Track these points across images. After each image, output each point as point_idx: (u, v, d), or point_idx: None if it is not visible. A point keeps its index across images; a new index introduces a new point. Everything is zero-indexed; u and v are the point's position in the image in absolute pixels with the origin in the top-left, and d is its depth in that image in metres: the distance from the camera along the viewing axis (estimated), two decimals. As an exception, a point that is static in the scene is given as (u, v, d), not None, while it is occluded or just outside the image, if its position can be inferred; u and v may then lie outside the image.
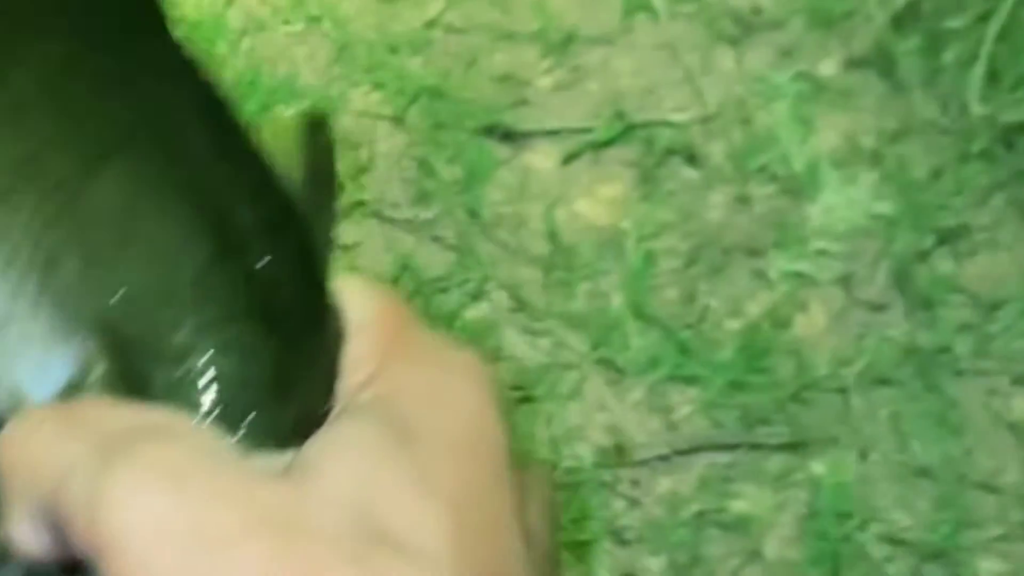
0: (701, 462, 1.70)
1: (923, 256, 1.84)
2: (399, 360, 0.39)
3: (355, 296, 0.41)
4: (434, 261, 1.77)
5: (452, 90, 1.86)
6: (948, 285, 1.83)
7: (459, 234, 1.78)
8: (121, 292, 0.39)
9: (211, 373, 0.38)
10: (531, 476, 0.40)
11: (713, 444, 1.71)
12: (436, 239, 1.79)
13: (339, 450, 0.36)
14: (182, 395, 0.38)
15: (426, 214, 1.79)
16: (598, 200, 1.84)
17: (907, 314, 1.81)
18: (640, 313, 1.76)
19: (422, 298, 1.73)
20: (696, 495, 1.68)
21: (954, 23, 1.96)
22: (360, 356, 0.39)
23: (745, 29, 1.97)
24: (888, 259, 1.82)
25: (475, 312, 1.75)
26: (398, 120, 1.84)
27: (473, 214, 1.79)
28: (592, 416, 1.72)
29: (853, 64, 1.96)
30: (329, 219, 0.44)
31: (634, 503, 1.68)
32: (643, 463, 1.69)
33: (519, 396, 1.69)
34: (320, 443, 0.36)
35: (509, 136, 1.85)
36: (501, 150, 1.84)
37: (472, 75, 1.89)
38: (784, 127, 1.90)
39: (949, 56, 1.95)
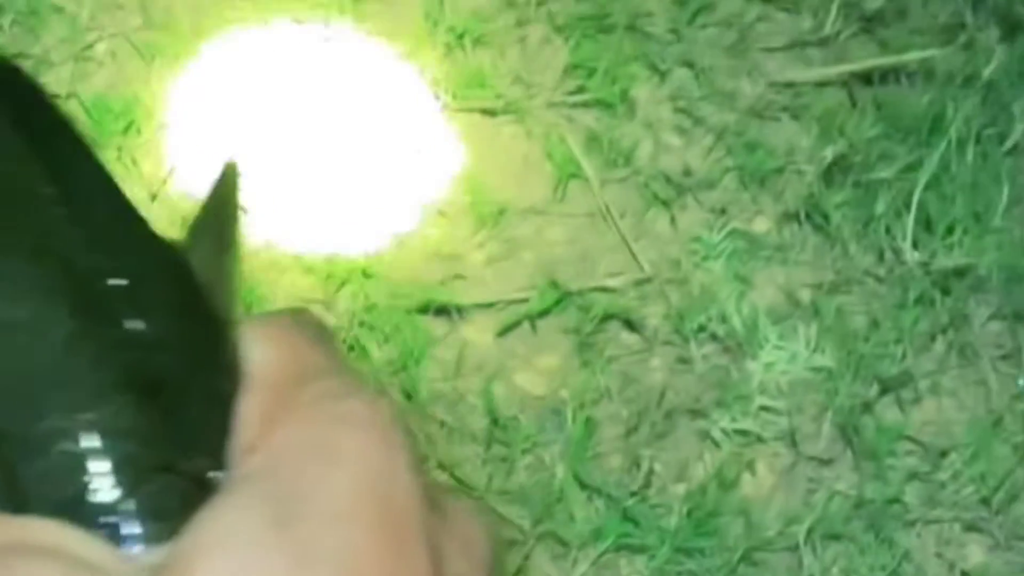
0: (652, 634, 1.69)
1: (867, 407, 1.85)
2: (286, 419, 0.36)
3: (254, 343, 0.37)
4: (371, 444, 1.75)
5: (384, 270, 1.87)
6: (894, 434, 1.84)
7: (395, 415, 1.76)
8: None
9: (79, 460, 0.35)
10: (460, 516, 0.38)
11: (663, 614, 1.70)
12: (372, 422, 1.76)
13: (214, 542, 0.33)
14: (50, 487, 0.35)
15: (361, 397, 1.77)
16: (536, 370, 1.85)
17: (855, 467, 1.82)
18: (583, 483, 1.76)
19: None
20: (649, 668, 1.67)
21: (883, 173, 2.00)
22: (248, 417, 0.36)
23: (677, 190, 1.99)
24: (832, 412, 1.83)
25: (414, 494, 1.72)
26: (328, 304, 1.84)
27: (409, 395, 1.79)
28: (538, 593, 1.71)
29: (786, 219, 1.99)
30: (229, 259, 0.41)
31: None
32: (591, 640, 1.68)
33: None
34: (196, 533, 0.33)
35: (444, 311, 1.86)
36: (436, 326, 1.85)
37: (404, 253, 1.90)
38: (721, 285, 1.92)
39: (880, 206, 1.98)
